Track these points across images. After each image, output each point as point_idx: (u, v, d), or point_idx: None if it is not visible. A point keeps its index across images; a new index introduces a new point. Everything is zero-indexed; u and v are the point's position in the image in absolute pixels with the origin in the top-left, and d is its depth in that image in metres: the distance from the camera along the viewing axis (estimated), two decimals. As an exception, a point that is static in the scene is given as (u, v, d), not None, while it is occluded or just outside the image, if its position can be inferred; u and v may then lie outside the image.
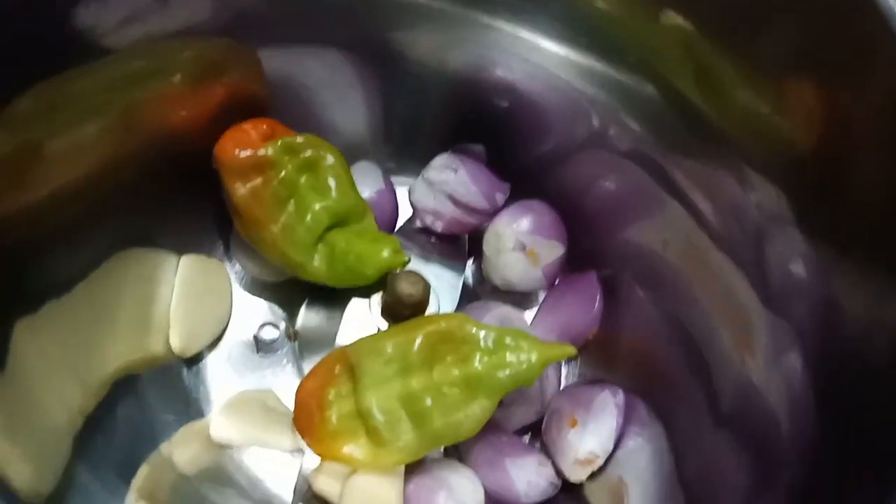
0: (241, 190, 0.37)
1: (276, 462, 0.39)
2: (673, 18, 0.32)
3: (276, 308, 0.43)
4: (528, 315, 0.43)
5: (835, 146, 0.28)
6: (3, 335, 0.30)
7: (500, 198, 0.42)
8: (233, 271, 0.43)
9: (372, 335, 0.36)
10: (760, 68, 0.30)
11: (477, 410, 0.33)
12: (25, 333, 0.31)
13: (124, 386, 0.36)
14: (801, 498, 0.27)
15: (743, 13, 0.30)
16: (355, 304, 0.39)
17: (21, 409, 0.30)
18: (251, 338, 0.42)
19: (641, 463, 0.36)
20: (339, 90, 0.42)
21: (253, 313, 0.43)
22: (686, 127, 0.35)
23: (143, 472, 0.35)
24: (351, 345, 0.35)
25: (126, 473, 0.34)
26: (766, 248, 0.32)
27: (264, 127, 0.38)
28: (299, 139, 0.38)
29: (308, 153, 0.38)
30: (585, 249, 0.43)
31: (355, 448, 0.34)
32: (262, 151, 0.37)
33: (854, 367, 0.27)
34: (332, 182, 0.38)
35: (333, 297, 0.40)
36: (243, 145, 0.37)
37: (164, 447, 0.37)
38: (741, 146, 0.32)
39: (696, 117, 0.34)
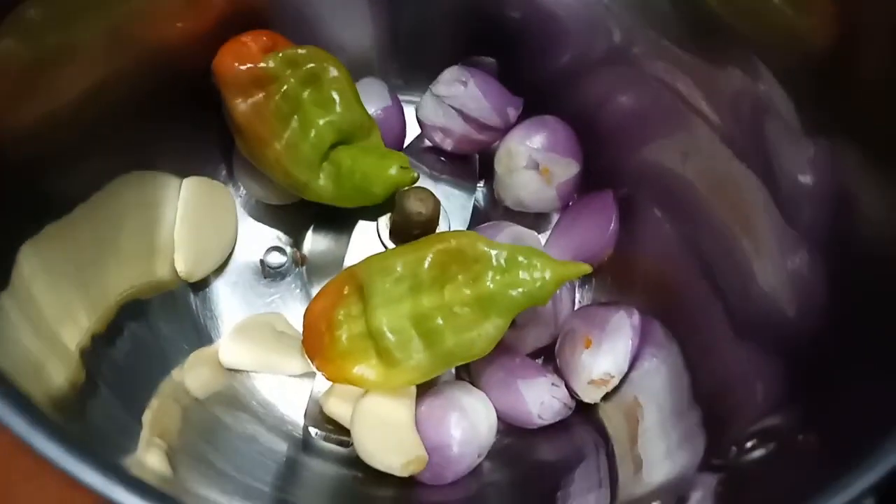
0: (241, 106, 0.36)
1: (287, 385, 0.39)
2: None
3: (281, 233, 0.42)
4: (542, 238, 0.42)
5: (847, 43, 0.27)
6: (9, 252, 0.29)
7: (512, 113, 0.40)
8: (237, 195, 0.42)
9: (381, 253, 0.35)
10: None
11: (490, 329, 0.32)
12: (30, 254, 0.30)
13: (132, 311, 0.36)
14: (819, 404, 0.26)
15: None
16: (363, 226, 0.38)
17: (31, 326, 0.29)
18: (258, 263, 0.42)
19: (657, 383, 0.35)
20: (343, 4, 0.40)
21: (259, 238, 0.42)
22: (701, 31, 0.33)
23: (155, 401, 0.35)
24: (359, 264, 0.34)
25: (138, 396, 0.34)
26: (783, 157, 0.31)
27: (264, 39, 0.36)
28: (301, 51, 0.36)
29: (311, 66, 0.36)
30: (601, 168, 0.41)
31: (366, 369, 0.33)
32: (262, 64, 0.35)
33: (866, 267, 0.27)
34: (336, 96, 0.36)
35: (340, 220, 0.39)
36: (243, 59, 0.35)
37: (176, 373, 0.37)
38: (758, 48, 0.31)
39: (713, 20, 0.32)
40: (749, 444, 0.26)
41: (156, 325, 0.37)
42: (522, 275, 0.32)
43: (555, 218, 0.43)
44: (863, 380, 0.25)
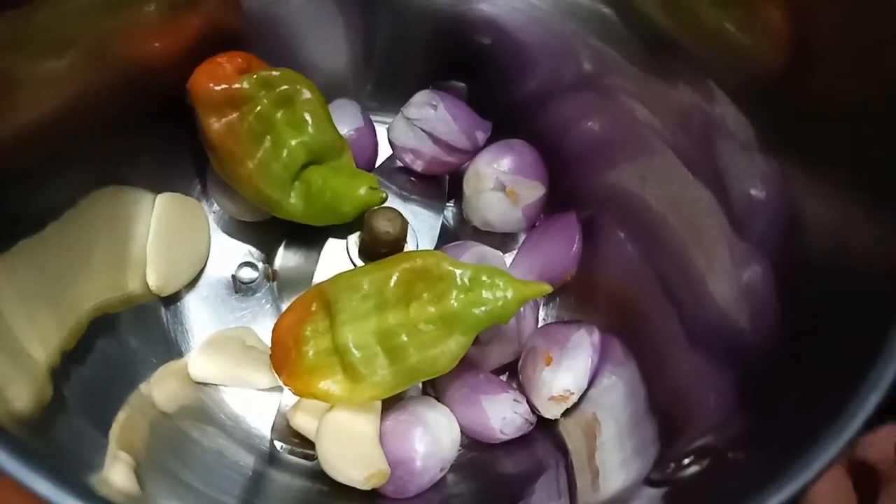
0: (215, 125, 0.36)
1: (254, 399, 0.40)
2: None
3: (253, 248, 0.43)
4: (508, 256, 0.43)
5: (798, 66, 0.28)
6: None
7: (481, 136, 0.42)
8: (210, 211, 0.43)
9: (349, 271, 0.36)
10: None
11: (453, 346, 0.33)
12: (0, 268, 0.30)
13: (102, 326, 0.36)
14: (768, 413, 0.27)
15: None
16: (333, 243, 0.39)
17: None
18: (229, 278, 0.42)
19: (615, 399, 0.36)
20: (317, 23, 0.41)
21: (231, 253, 0.43)
22: (658, 54, 0.34)
23: (121, 415, 0.35)
24: (327, 281, 0.35)
25: (105, 411, 0.34)
26: (736, 175, 0.32)
27: (239, 60, 0.37)
28: (275, 73, 0.37)
29: (284, 87, 0.37)
30: (566, 190, 0.42)
31: (332, 384, 0.34)
32: (237, 85, 0.36)
33: (822, 290, 0.27)
34: (308, 117, 0.37)
35: (311, 237, 0.40)
36: (218, 79, 0.36)
37: (144, 386, 0.37)
38: (710, 67, 0.32)
39: (668, 42, 0.33)
40: (686, 461, 0.27)
41: (125, 339, 0.38)
42: (485, 294, 0.33)
43: (521, 237, 0.44)
44: (806, 388, 0.26)
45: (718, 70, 0.32)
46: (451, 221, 0.44)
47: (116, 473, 0.32)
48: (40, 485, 0.22)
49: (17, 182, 0.32)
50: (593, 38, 0.37)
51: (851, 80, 0.27)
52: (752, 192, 0.31)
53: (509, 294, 0.33)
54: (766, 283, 0.30)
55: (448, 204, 0.44)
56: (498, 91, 0.42)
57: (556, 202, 0.43)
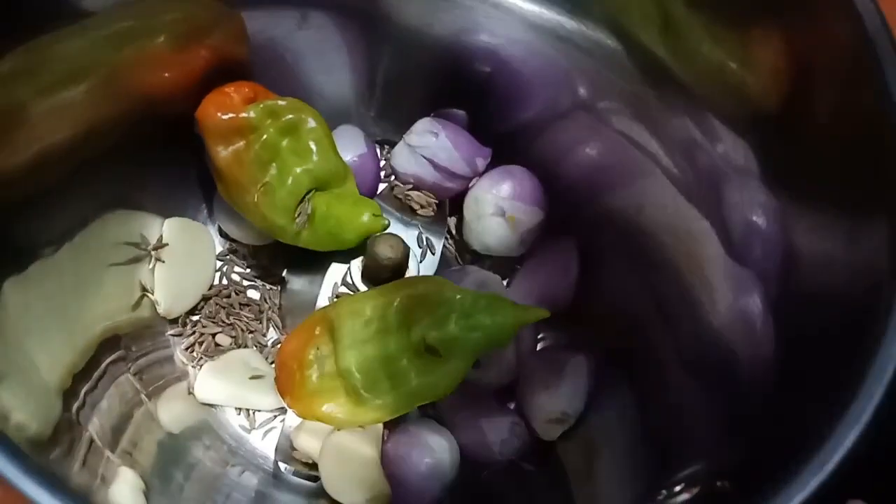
0: (223, 153, 0.37)
1: (258, 421, 0.41)
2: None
3: (257, 271, 0.44)
4: (507, 280, 0.44)
5: (794, 96, 0.29)
6: None
7: (480, 163, 0.42)
8: (216, 234, 0.44)
9: (352, 297, 0.37)
10: (722, 18, 0.31)
11: (452, 371, 0.34)
12: (14, 291, 0.31)
13: (111, 346, 0.37)
14: (756, 445, 0.28)
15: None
16: (336, 268, 0.40)
17: (12, 361, 0.30)
18: (234, 300, 0.43)
19: (611, 422, 0.37)
20: (322, 53, 0.42)
21: (235, 276, 0.44)
22: (656, 85, 0.35)
23: (128, 434, 0.36)
24: (331, 306, 0.36)
25: (113, 430, 0.35)
26: (733, 204, 0.33)
27: (246, 90, 0.38)
28: (281, 102, 0.38)
29: (290, 116, 0.38)
30: (564, 214, 0.43)
31: (334, 407, 0.34)
32: (244, 114, 0.37)
33: (811, 309, 0.28)
34: (313, 146, 0.38)
35: (314, 261, 0.40)
36: (225, 108, 0.37)
37: (151, 407, 0.38)
38: (708, 100, 0.33)
39: (667, 74, 0.34)
40: (677, 489, 0.28)
41: (133, 359, 0.39)
42: (484, 318, 0.34)
43: (520, 262, 0.45)
44: (792, 420, 0.26)
45: (718, 104, 0.33)
46: (451, 246, 0.45)
47: (124, 491, 0.32)
48: (49, 501, 0.23)
49: (33, 207, 0.33)
50: (593, 69, 0.38)
51: (840, 115, 0.27)
52: (750, 220, 0.32)
53: (508, 319, 0.34)
54: (759, 311, 0.31)
55: (447, 229, 0.45)
56: (497, 118, 0.43)
57: (555, 227, 0.44)
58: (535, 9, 0.38)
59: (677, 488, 0.28)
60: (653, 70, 0.35)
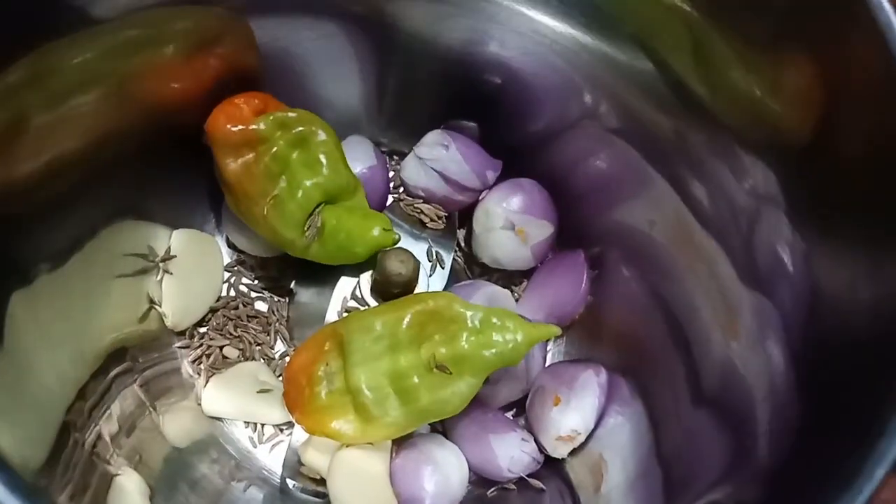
0: (232, 165, 0.37)
1: (266, 435, 0.40)
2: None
3: (266, 283, 0.44)
4: (516, 293, 0.44)
5: (823, 127, 0.29)
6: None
7: (491, 175, 0.42)
8: (224, 246, 0.44)
9: (362, 312, 0.36)
10: (754, 46, 0.30)
11: (463, 388, 0.34)
12: (21, 304, 0.31)
13: (118, 358, 0.37)
14: (774, 475, 0.28)
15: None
16: (345, 282, 0.40)
17: (16, 380, 0.30)
18: (242, 312, 0.43)
19: (621, 440, 0.37)
20: (332, 63, 0.42)
21: (243, 288, 0.43)
22: (680, 107, 0.35)
23: (134, 449, 0.36)
24: (341, 321, 0.36)
25: (118, 445, 0.35)
26: (754, 231, 0.33)
27: (256, 101, 0.38)
28: (291, 114, 0.38)
29: (300, 129, 0.37)
30: (574, 228, 0.43)
31: (344, 424, 0.34)
32: (253, 126, 0.37)
33: (833, 349, 0.28)
34: (323, 158, 0.38)
35: (323, 274, 0.40)
36: (235, 120, 0.37)
37: (157, 420, 0.38)
38: (733, 127, 0.32)
39: (691, 97, 0.34)
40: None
41: (140, 372, 0.38)
42: (496, 336, 0.34)
43: (529, 274, 0.44)
44: (814, 458, 0.26)
45: (743, 131, 0.32)
46: (461, 260, 0.45)
47: (130, 495, 0.32)
48: None
49: (42, 217, 0.33)
50: (609, 86, 0.37)
51: (870, 141, 0.27)
52: (769, 248, 0.31)
53: (519, 337, 0.34)
54: (775, 341, 0.30)
55: (457, 242, 0.44)
56: (507, 130, 0.43)
57: (565, 239, 0.44)
58: (548, 21, 0.38)
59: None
60: (675, 91, 0.34)
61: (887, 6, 0.25)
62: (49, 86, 0.31)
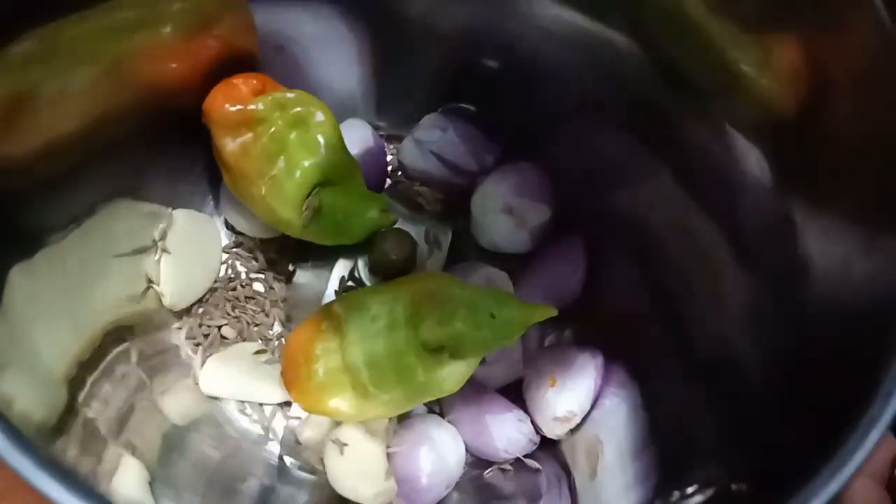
0: (230, 145, 0.37)
1: (264, 414, 0.41)
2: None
3: (264, 264, 0.44)
4: (513, 276, 0.44)
5: (813, 104, 0.29)
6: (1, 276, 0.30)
7: (489, 159, 0.42)
8: (222, 226, 0.44)
9: (359, 291, 0.37)
10: (744, 25, 0.30)
11: (460, 367, 0.34)
12: (21, 277, 0.31)
13: (116, 337, 0.37)
14: (769, 447, 0.28)
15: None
16: (343, 262, 0.40)
17: (18, 349, 0.30)
18: (240, 293, 0.43)
19: (617, 422, 0.37)
20: (330, 45, 0.42)
21: (241, 269, 0.43)
22: (671, 88, 0.35)
23: (133, 425, 0.36)
24: (338, 300, 0.36)
25: (118, 421, 0.35)
26: (747, 209, 0.33)
27: (254, 82, 0.38)
28: (290, 95, 0.37)
29: (298, 109, 0.37)
30: (572, 211, 0.43)
31: (341, 402, 0.34)
32: (252, 106, 0.37)
33: (825, 321, 0.28)
34: (321, 139, 0.38)
35: (322, 255, 0.40)
36: (233, 100, 0.37)
37: (156, 398, 0.38)
38: (725, 106, 0.33)
39: (683, 78, 0.34)
40: (690, 490, 0.28)
41: (138, 351, 0.39)
42: (492, 317, 0.34)
43: (527, 258, 0.45)
44: (806, 424, 0.26)
45: (733, 109, 0.32)
46: (458, 242, 0.45)
47: (128, 481, 0.32)
48: (53, 489, 0.23)
49: (42, 193, 0.33)
50: (606, 69, 0.37)
51: (862, 118, 0.27)
52: (763, 228, 0.32)
53: (515, 317, 0.34)
54: (768, 316, 0.31)
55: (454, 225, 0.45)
56: (506, 114, 0.43)
57: (562, 223, 0.44)
58: (546, 5, 0.38)
59: (690, 489, 0.28)
60: (668, 72, 0.34)
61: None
62: (50, 63, 0.31)
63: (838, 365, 0.26)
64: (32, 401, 0.29)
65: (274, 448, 0.40)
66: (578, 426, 0.38)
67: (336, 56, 0.43)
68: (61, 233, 0.34)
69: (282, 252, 0.43)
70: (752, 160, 0.32)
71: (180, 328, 0.41)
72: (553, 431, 0.38)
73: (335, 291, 0.39)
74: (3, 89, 0.29)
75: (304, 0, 0.40)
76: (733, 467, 0.28)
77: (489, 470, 0.39)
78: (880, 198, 0.26)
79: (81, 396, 0.33)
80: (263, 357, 0.41)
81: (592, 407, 0.38)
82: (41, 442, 0.28)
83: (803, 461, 0.22)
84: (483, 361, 0.35)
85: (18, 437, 0.24)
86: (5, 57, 0.29)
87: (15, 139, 0.31)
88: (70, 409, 0.32)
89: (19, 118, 0.31)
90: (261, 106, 0.37)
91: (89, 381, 0.34)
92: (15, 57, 0.29)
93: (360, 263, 0.40)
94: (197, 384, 0.40)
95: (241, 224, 0.43)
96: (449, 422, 0.39)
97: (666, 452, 0.33)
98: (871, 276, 0.26)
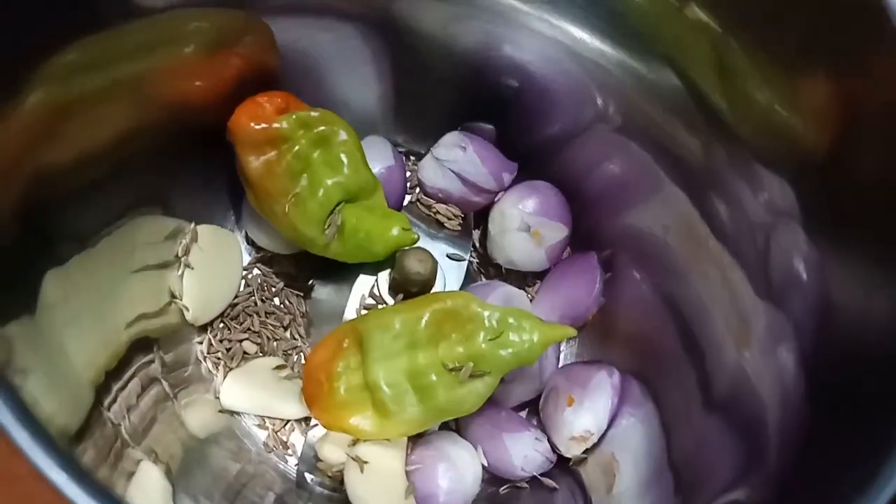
0: (254, 163, 0.38)
1: (283, 429, 0.41)
2: (696, 13, 0.32)
3: (284, 280, 0.44)
4: (530, 293, 0.44)
5: (843, 145, 0.29)
6: (34, 282, 0.30)
7: (507, 177, 0.43)
8: (243, 242, 0.44)
9: (381, 310, 0.37)
10: (775, 62, 0.30)
11: (479, 387, 0.34)
12: (54, 282, 0.31)
13: (142, 348, 0.37)
14: (785, 483, 0.28)
15: (761, 7, 0.30)
16: (364, 280, 0.40)
17: (48, 352, 0.31)
18: (261, 308, 0.43)
19: (633, 441, 0.37)
20: (350, 64, 0.42)
21: (262, 284, 0.44)
22: (698, 119, 0.35)
23: (156, 435, 0.36)
24: (359, 318, 0.37)
25: (142, 430, 0.35)
26: (768, 243, 0.33)
27: (279, 100, 0.38)
28: (314, 114, 0.38)
29: (322, 128, 0.38)
30: (588, 230, 0.44)
31: (362, 419, 0.35)
32: (276, 125, 0.37)
33: (845, 361, 0.28)
34: (344, 158, 0.38)
35: (342, 272, 0.41)
36: (258, 118, 0.37)
37: (178, 410, 0.38)
38: (752, 141, 0.33)
39: (710, 110, 0.34)
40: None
41: (163, 363, 0.39)
42: (512, 336, 0.34)
43: (543, 276, 0.45)
44: (827, 468, 0.27)
45: (762, 147, 0.32)
46: (476, 257, 0.45)
47: (148, 489, 0.33)
48: (76, 494, 0.24)
49: (75, 201, 0.33)
50: (625, 91, 0.37)
51: (885, 163, 0.27)
52: (789, 267, 0.32)
53: (535, 337, 0.34)
54: (791, 360, 0.31)
55: (472, 243, 0.45)
56: (523, 133, 0.44)
57: (578, 241, 0.44)
58: (567, 27, 0.38)
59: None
60: (697, 105, 0.34)
61: (909, 22, 0.26)
62: (82, 79, 0.32)
63: (856, 406, 0.26)
64: (59, 403, 0.29)
65: (293, 463, 0.40)
66: (595, 445, 0.38)
67: (356, 75, 0.43)
68: (92, 241, 0.35)
69: (302, 268, 0.44)
70: (776, 194, 0.32)
71: (202, 342, 0.42)
72: (570, 450, 0.38)
73: (355, 310, 0.39)
74: (49, 97, 0.30)
75: (324, 21, 0.40)
76: (747, 501, 0.28)
77: (505, 487, 0.40)
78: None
79: (107, 402, 0.34)
80: (284, 372, 0.41)
81: (609, 426, 0.38)
82: (66, 445, 0.28)
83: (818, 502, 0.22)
84: (501, 380, 0.36)
85: (46, 440, 0.24)
86: (53, 66, 0.30)
87: (57, 147, 0.32)
88: (96, 414, 0.32)
89: (62, 126, 0.32)
90: (285, 125, 0.37)
91: (114, 388, 0.35)
92: (61, 66, 0.30)
93: (381, 280, 0.40)
94: (218, 398, 0.41)
95: (262, 240, 0.43)
96: (466, 439, 0.39)
97: (681, 478, 0.33)
98: (890, 315, 0.26)
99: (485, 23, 0.39)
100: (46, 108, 0.30)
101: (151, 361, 0.38)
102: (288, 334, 0.43)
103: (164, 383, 0.38)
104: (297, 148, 0.38)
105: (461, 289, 0.41)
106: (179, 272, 0.40)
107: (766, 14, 0.30)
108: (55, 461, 0.24)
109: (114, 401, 0.34)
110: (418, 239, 0.38)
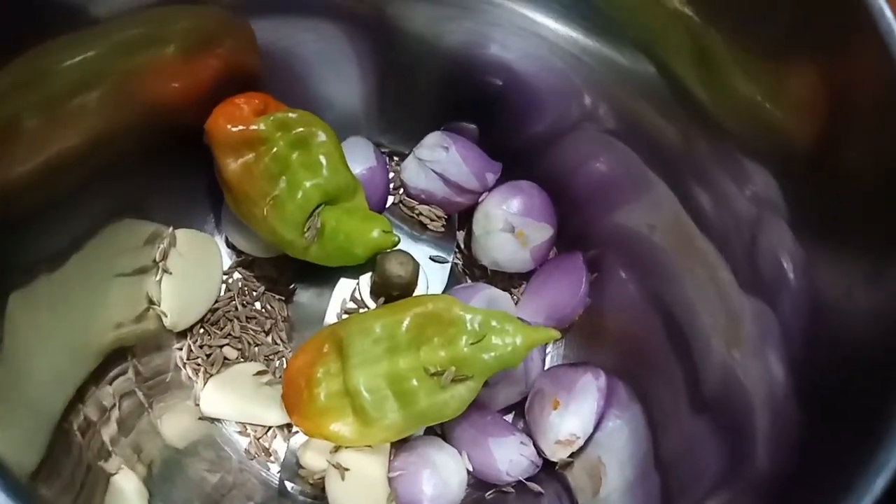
0: (232, 165, 0.37)
1: (264, 436, 0.40)
2: (675, 3, 0.32)
3: (265, 284, 0.43)
4: (516, 295, 0.44)
5: (826, 135, 0.29)
6: None
7: (490, 178, 0.42)
8: (223, 246, 0.44)
9: (361, 314, 0.36)
10: (757, 53, 0.30)
11: (462, 391, 0.34)
12: (19, 305, 0.30)
13: (116, 358, 0.37)
14: (773, 483, 0.28)
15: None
16: (344, 283, 0.40)
17: (13, 383, 0.30)
18: (241, 313, 0.43)
19: (620, 444, 0.37)
20: (332, 64, 0.42)
21: (242, 288, 0.43)
22: (682, 112, 0.34)
23: (132, 449, 0.35)
24: (340, 323, 0.36)
25: (117, 444, 0.35)
26: (754, 238, 0.32)
27: (256, 102, 0.37)
28: (292, 115, 0.37)
29: (300, 130, 0.37)
30: (573, 230, 0.43)
31: (342, 426, 0.34)
32: (254, 127, 0.37)
33: (833, 358, 0.28)
34: (323, 159, 0.38)
35: (323, 276, 0.40)
36: (235, 120, 0.37)
37: (154, 420, 0.38)
38: (735, 134, 0.32)
39: (693, 103, 0.33)
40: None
41: (138, 372, 0.38)
42: (495, 340, 0.34)
43: (528, 277, 0.44)
44: (813, 465, 0.26)
45: (746, 139, 0.32)
46: (460, 262, 0.45)
47: (126, 498, 0.32)
48: None
49: (42, 218, 0.32)
50: (609, 89, 0.37)
51: (869, 155, 0.27)
52: (770, 255, 0.31)
53: (518, 340, 0.34)
54: (776, 350, 0.30)
55: (456, 244, 0.44)
56: (507, 133, 0.43)
57: (564, 242, 0.44)
58: (550, 24, 0.37)
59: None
60: (680, 99, 0.34)
61: (889, 13, 0.25)
62: (44, 87, 0.31)
63: (844, 404, 0.26)
64: (20, 432, 0.29)
65: (274, 471, 0.39)
66: (581, 448, 0.38)
67: (338, 75, 0.43)
68: (61, 257, 0.34)
69: (283, 272, 0.43)
70: (761, 188, 0.32)
71: (181, 348, 0.41)
72: (556, 454, 0.38)
73: (336, 314, 0.39)
74: (14, 109, 0.29)
75: (306, 19, 0.39)
76: (735, 502, 0.28)
77: (490, 492, 0.39)
78: (891, 229, 0.26)
79: (78, 421, 0.33)
80: (265, 378, 0.40)
81: (595, 429, 0.38)
82: (31, 480, 0.27)
83: (806, 502, 0.22)
84: (485, 384, 0.35)
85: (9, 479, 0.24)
86: (18, 77, 0.29)
87: (9, 165, 0.30)
88: (67, 434, 0.32)
89: (12, 145, 0.30)
90: (263, 126, 0.37)
91: (87, 403, 0.34)
92: (8, 82, 0.29)
93: (362, 284, 0.39)
94: (198, 405, 0.40)
95: (242, 244, 0.43)
96: (451, 444, 0.38)
97: (668, 480, 0.33)
98: (877, 310, 0.25)
99: (469, 22, 0.39)
100: (4, 118, 0.29)
101: (127, 371, 0.37)
102: (269, 339, 0.42)
103: (139, 393, 0.38)
104: (275, 150, 0.37)
105: (445, 291, 0.40)
106: (157, 278, 0.40)
107: (747, 2, 0.30)
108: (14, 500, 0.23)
109: (85, 417, 0.33)
110: (399, 241, 0.38)
